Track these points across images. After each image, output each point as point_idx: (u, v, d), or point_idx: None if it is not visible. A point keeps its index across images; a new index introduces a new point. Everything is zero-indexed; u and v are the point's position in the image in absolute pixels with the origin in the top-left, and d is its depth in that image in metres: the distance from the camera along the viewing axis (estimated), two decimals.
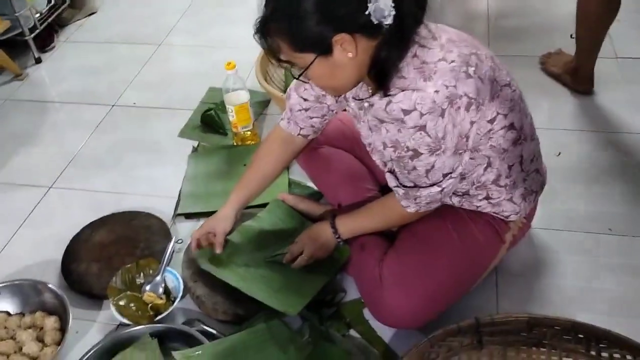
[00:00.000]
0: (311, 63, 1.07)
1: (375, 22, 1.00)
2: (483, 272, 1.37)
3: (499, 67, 1.18)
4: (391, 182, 1.23)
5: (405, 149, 1.12)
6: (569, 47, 2.27)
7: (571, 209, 1.65)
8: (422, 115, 1.07)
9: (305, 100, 1.36)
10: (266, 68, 2.05)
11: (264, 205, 1.61)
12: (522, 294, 1.45)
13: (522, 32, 2.39)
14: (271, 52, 1.09)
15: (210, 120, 2.02)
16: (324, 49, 1.05)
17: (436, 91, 1.06)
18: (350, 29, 1.02)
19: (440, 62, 1.08)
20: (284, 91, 1.98)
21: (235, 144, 1.95)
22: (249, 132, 1.92)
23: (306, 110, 1.38)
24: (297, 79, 1.16)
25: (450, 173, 1.16)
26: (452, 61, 1.08)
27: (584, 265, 1.50)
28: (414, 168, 1.15)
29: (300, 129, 1.42)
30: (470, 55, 1.11)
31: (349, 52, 1.05)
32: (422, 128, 1.08)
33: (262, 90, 2.03)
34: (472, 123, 1.11)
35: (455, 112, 1.08)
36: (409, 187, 1.20)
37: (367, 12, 0.99)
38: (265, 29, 1.07)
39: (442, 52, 1.09)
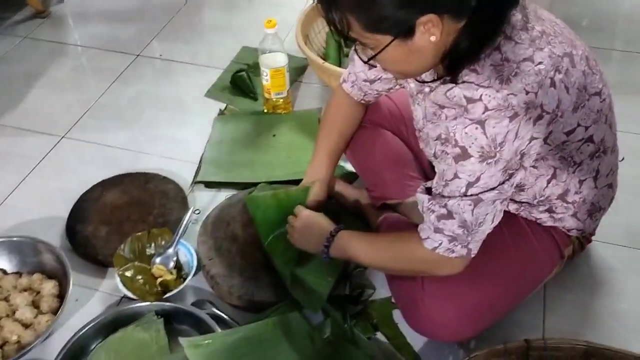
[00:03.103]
0: (386, 46, 0.90)
1: None
2: (536, 287, 1.22)
3: (593, 71, 1.01)
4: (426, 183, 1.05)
5: (454, 143, 0.94)
6: (635, 41, 2.08)
7: (634, 224, 1.47)
8: (486, 109, 0.90)
9: (370, 67, 1.22)
10: (307, 31, 1.87)
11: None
12: (573, 314, 1.30)
13: (585, 20, 2.19)
14: (337, 28, 0.91)
15: (240, 82, 1.87)
16: (405, 32, 0.87)
17: (513, 94, 0.89)
18: (439, 8, 0.85)
19: (525, 63, 0.91)
20: (324, 58, 1.82)
21: (265, 110, 1.79)
22: (281, 100, 1.76)
23: (371, 82, 1.26)
24: (366, 62, 0.98)
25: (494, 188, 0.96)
26: (540, 62, 0.91)
27: None
28: (455, 176, 0.96)
29: (364, 94, 1.31)
30: (563, 57, 0.94)
31: (432, 36, 0.87)
32: (481, 124, 0.91)
33: (299, 55, 1.87)
34: (532, 139, 0.94)
35: (524, 123, 0.91)
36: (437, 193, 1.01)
37: None
38: (334, 1, 0.89)
39: (531, 49, 0.92)
